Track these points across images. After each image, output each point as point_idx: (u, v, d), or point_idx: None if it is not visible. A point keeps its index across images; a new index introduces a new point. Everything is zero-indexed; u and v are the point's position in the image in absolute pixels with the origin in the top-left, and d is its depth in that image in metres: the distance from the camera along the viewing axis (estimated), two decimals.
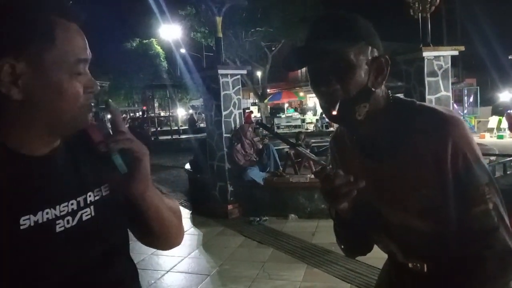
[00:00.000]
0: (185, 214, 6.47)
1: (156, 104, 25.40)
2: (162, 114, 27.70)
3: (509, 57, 17.99)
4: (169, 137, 19.14)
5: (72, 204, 0.84)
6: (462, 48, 6.06)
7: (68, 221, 0.82)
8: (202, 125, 22.23)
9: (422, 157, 0.95)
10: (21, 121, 0.79)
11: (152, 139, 17.37)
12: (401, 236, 1.05)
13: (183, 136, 19.03)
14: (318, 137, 12.96)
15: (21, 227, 0.74)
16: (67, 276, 0.81)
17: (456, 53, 5.94)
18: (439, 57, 5.61)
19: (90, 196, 0.88)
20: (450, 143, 0.92)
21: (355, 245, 1.18)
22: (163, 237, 1.02)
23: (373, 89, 0.98)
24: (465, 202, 0.93)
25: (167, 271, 4.06)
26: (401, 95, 1.34)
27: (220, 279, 3.90)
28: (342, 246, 1.19)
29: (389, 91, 1.04)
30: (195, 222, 5.91)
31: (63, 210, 0.82)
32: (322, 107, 1.02)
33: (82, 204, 0.86)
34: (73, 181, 0.86)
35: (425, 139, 0.94)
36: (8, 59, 0.74)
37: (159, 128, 20.98)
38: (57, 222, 0.80)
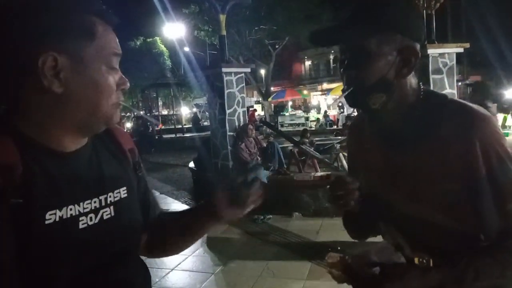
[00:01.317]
0: None
1: (160, 103, 25.47)
2: (166, 112, 27.78)
3: None
4: (173, 135, 19.16)
5: (95, 202, 0.86)
6: (467, 45, 6.02)
7: (91, 219, 0.84)
8: (205, 123, 22.28)
9: (449, 152, 0.93)
10: (55, 115, 0.81)
11: (156, 137, 17.40)
12: (412, 229, 1.04)
13: (187, 135, 19.07)
14: (322, 135, 12.94)
15: (47, 222, 0.76)
16: (85, 273, 0.82)
17: (461, 50, 5.91)
18: (444, 54, 5.59)
19: (110, 196, 0.90)
20: (480, 140, 0.90)
21: (363, 231, 1.18)
22: (178, 251, 1.14)
23: (394, 80, 0.96)
24: (498, 198, 0.91)
25: (172, 269, 4.06)
26: None
27: (224, 277, 3.90)
28: (349, 230, 1.19)
29: (420, 83, 1.02)
30: None
31: (87, 208, 0.84)
32: (342, 89, 1.02)
33: (103, 203, 0.88)
34: (96, 179, 0.89)
35: (454, 135, 0.92)
36: (52, 52, 0.76)
37: (163, 127, 21.00)
38: (81, 218, 0.82)
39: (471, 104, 0.97)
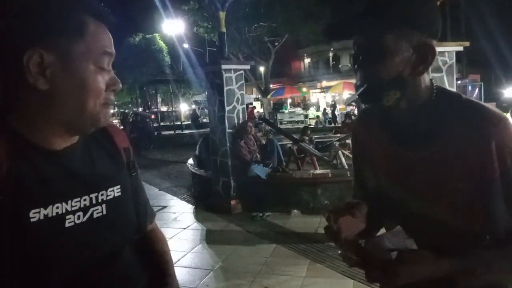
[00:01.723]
0: (188, 209, 6.50)
1: (159, 99, 25.42)
2: (165, 109, 27.73)
3: None
4: (172, 132, 19.14)
5: (85, 200, 0.85)
6: (467, 43, 6.02)
7: (78, 217, 0.83)
8: (204, 120, 22.26)
9: (463, 151, 0.91)
10: (43, 113, 0.80)
11: (155, 134, 17.38)
12: (419, 227, 1.03)
13: (186, 131, 19.04)
14: (321, 133, 12.95)
15: (31, 220, 0.75)
16: (74, 271, 0.81)
17: (461, 48, 5.90)
18: (443, 52, 5.58)
19: (102, 194, 0.89)
20: (495, 141, 0.89)
21: (369, 227, 1.17)
22: None
23: (409, 77, 0.94)
24: (511, 199, 0.90)
25: None
26: None
27: (223, 274, 3.91)
28: None
29: (433, 80, 1.01)
30: (198, 217, 5.92)
31: (75, 206, 0.83)
32: (354, 84, 1.01)
33: (94, 201, 0.87)
34: (88, 177, 0.87)
35: (468, 134, 0.91)
36: (37, 49, 0.75)
37: (161, 123, 20.97)
38: (68, 217, 0.81)
39: (486, 104, 0.95)
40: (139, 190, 1.06)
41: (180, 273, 3.92)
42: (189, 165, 7.73)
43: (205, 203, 6.43)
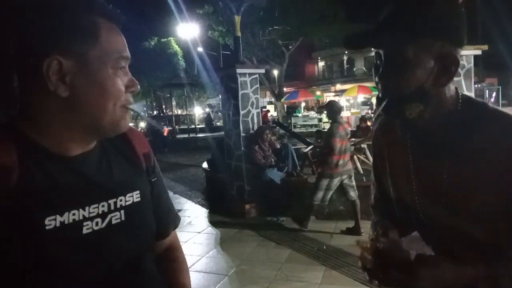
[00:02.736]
0: (202, 212, 6.50)
1: (173, 103, 25.59)
2: (179, 112, 27.90)
3: None
4: (186, 135, 19.24)
5: (103, 206, 0.84)
6: (486, 47, 5.92)
7: (97, 223, 0.82)
8: (218, 123, 22.32)
9: (488, 162, 0.88)
10: (62, 119, 0.79)
11: (170, 137, 17.49)
12: (440, 238, 0.99)
13: (200, 135, 19.14)
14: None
15: (47, 228, 0.74)
16: (92, 279, 0.80)
17: (479, 52, 5.81)
18: (461, 56, 5.48)
19: (121, 200, 0.88)
20: None
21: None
22: None
23: (432, 88, 0.91)
24: None
25: None
26: None
27: (238, 279, 3.89)
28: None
29: (458, 89, 0.97)
30: (212, 221, 5.92)
31: (93, 212, 0.82)
32: (376, 97, 0.98)
33: (112, 208, 0.85)
34: (106, 183, 0.86)
35: (494, 145, 0.87)
36: (56, 56, 0.75)
37: (176, 127, 21.10)
38: (85, 223, 0.80)
39: None
40: (161, 195, 1.04)
41: (195, 278, 3.91)
42: (203, 169, 7.74)
43: (219, 207, 6.42)
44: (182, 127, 22.30)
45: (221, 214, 6.17)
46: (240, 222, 5.69)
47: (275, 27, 19.01)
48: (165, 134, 17.11)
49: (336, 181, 4.96)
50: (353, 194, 5.04)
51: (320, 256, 4.29)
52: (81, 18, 0.78)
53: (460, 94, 0.96)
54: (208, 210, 6.58)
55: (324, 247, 4.52)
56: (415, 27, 0.87)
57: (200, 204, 7.04)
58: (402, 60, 0.89)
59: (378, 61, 0.94)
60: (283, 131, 11.23)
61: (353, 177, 5.10)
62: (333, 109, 5.02)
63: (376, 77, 0.95)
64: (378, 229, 1.16)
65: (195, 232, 5.39)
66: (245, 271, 4.05)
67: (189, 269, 1.14)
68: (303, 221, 5.17)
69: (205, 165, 7.87)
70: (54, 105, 0.78)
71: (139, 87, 0.88)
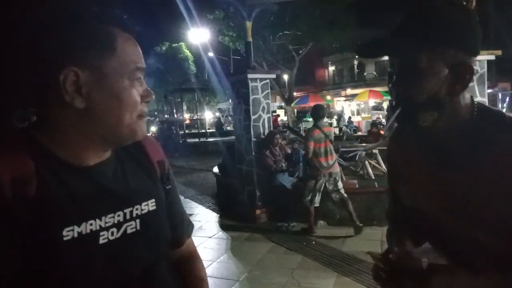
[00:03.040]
0: (213, 217, 6.51)
1: (184, 107, 25.73)
2: (190, 117, 28.02)
3: None
4: (196, 139, 19.31)
5: (118, 215, 0.84)
6: (499, 52, 5.84)
7: (112, 233, 0.82)
8: (228, 128, 22.34)
9: (507, 174, 0.86)
10: (78, 130, 0.80)
11: (181, 141, 17.57)
12: (454, 247, 0.98)
13: (210, 139, 19.17)
14: (346, 142, 12.79)
15: (64, 239, 0.74)
16: None
17: (492, 57, 5.74)
18: (475, 61, 5.43)
19: (137, 209, 0.88)
20: None
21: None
22: None
23: (446, 97, 0.90)
24: None
25: None
26: None
27: (249, 285, 3.88)
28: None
29: (474, 97, 0.96)
30: (223, 226, 5.92)
31: (109, 222, 0.82)
32: (389, 103, 0.97)
33: (128, 217, 0.85)
34: (121, 192, 0.86)
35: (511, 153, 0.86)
36: (73, 67, 0.76)
37: (187, 131, 21.20)
38: (101, 233, 0.80)
39: None
40: (175, 202, 1.04)
41: None
42: (214, 173, 7.75)
43: (230, 212, 6.42)
44: (192, 131, 22.40)
45: (231, 219, 6.17)
46: (250, 227, 5.68)
47: (285, 32, 19.01)
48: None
49: (321, 182, 5.11)
50: (336, 195, 5.18)
51: (332, 262, 4.26)
52: (97, 29, 0.79)
53: (475, 102, 0.95)
54: (218, 215, 6.58)
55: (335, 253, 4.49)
56: (429, 35, 0.86)
57: (210, 209, 7.05)
58: (416, 68, 0.88)
59: (392, 69, 0.94)
60: (293, 135, 11.19)
61: (339, 181, 5.20)
62: (315, 113, 5.24)
63: (390, 85, 0.95)
64: (393, 239, 1.15)
65: (206, 236, 5.39)
66: (256, 277, 4.03)
67: None
68: (308, 227, 5.23)
69: (215, 169, 7.88)
70: (71, 116, 0.78)
71: (154, 96, 0.88)
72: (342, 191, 5.18)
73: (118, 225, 0.83)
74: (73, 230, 0.75)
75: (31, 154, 0.75)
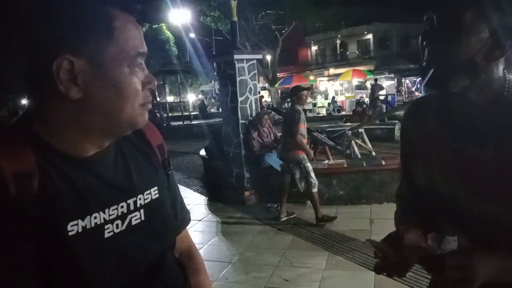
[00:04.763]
0: (201, 200, 6.50)
1: (167, 90, 25.38)
2: (173, 99, 27.68)
3: None
4: (180, 122, 19.14)
5: (122, 207, 0.80)
6: None
7: (117, 226, 0.78)
8: (212, 110, 22.21)
9: None
10: (75, 121, 0.74)
11: (164, 124, 17.39)
12: (476, 228, 0.95)
13: (195, 122, 19.03)
14: (330, 122, 12.86)
15: (69, 233, 0.70)
16: (118, 282, 0.77)
17: None
18: None
19: (140, 199, 0.84)
20: None
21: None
22: None
23: (482, 62, 0.86)
24: None
25: None
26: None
27: (242, 266, 3.90)
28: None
29: (506, 71, 0.92)
30: (212, 209, 5.92)
31: (113, 214, 0.78)
32: (419, 64, 0.93)
33: (132, 207, 0.82)
34: (123, 183, 0.82)
35: None
36: (66, 55, 0.69)
37: (170, 114, 20.97)
38: (106, 226, 0.76)
39: None
40: (175, 188, 1.01)
41: None
42: (201, 156, 7.71)
43: (219, 194, 6.40)
44: (176, 114, 22.17)
45: (220, 201, 6.15)
46: (240, 209, 5.69)
47: (268, 11, 18.80)
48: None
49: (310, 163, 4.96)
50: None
51: (322, 242, 4.30)
52: (93, 11, 0.72)
53: (507, 76, 0.92)
54: (207, 198, 6.57)
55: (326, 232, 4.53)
56: None
57: (199, 192, 7.03)
58: (458, 25, 0.85)
59: (429, 27, 0.90)
60: (279, 116, 11.17)
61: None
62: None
63: (424, 42, 0.91)
64: (401, 220, 1.12)
65: (196, 220, 5.37)
66: (248, 258, 4.05)
67: None
68: (320, 215, 4.83)
69: (202, 152, 7.83)
70: (67, 108, 0.72)
71: (156, 82, 0.82)
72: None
73: (122, 217, 0.79)
74: (77, 224, 0.72)
75: (30, 147, 0.71)
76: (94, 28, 0.71)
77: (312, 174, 4.84)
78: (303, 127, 4.79)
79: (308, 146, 7.06)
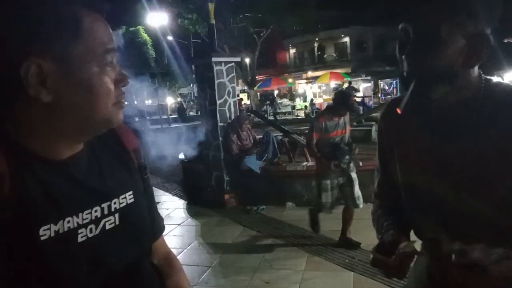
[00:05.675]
0: (180, 204, 6.44)
1: (144, 93, 25.07)
2: (150, 103, 27.36)
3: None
4: (159, 126, 18.94)
5: (96, 211, 0.78)
6: None
7: (91, 230, 0.76)
8: (191, 113, 22.05)
9: None
10: (47, 124, 0.72)
11: (142, 128, 17.17)
12: (458, 223, 0.96)
13: (173, 125, 18.86)
14: (309, 124, 12.93)
15: (41, 238, 0.68)
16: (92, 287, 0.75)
17: None
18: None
19: (115, 203, 0.82)
20: None
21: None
22: None
23: (460, 69, 0.89)
24: None
25: None
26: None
27: (222, 270, 3.88)
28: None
29: (481, 70, 0.95)
30: (192, 213, 5.87)
31: (86, 218, 0.76)
32: (399, 74, 0.95)
33: (106, 212, 0.80)
34: (97, 186, 0.80)
35: None
36: (34, 58, 0.67)
37: (148, 118, 20.73)
38: (79, 231, 0.74)
39: None
40: (151, 193, 0.99)
41: None
42: (180, 160, 7.64)
43: (198, 198, 6.36)
44: (154, 117, 21.92)
45: (200, 205, 6.11)
46: (220, 212, 5.66)
47: (246, 14, 18.83)
48: None
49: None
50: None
51: (302, 243, 4.32)
52: (59, 11, 0.70)
53: (483, 76, 0.95)
54: (186, 202, 6.51)
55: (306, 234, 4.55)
56: (451, 4, 0.85)
57: (178, 196, 6.97)
58: (435, 37, 0.86)
59: (405, 38, 0.91)
60: (259, 119, 11.20)
61: None
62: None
63: (403, 55, 0.92)
64: (388, 229, 1.10)
65: (175, 224, 5.32)
66: (228, 261, 4.03)
67: None
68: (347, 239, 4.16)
69: (181, 156, 7.76)
70: (38, 111, 0.71)
71: (129, 80, 0.80)
72: None
73: (96, 221, 0.78)
74: (49, 229, 0.70)
75: (2, 149, 0.68)
76: (61, 29, 0.69)
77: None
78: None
79: (287, 149, 7.11)
